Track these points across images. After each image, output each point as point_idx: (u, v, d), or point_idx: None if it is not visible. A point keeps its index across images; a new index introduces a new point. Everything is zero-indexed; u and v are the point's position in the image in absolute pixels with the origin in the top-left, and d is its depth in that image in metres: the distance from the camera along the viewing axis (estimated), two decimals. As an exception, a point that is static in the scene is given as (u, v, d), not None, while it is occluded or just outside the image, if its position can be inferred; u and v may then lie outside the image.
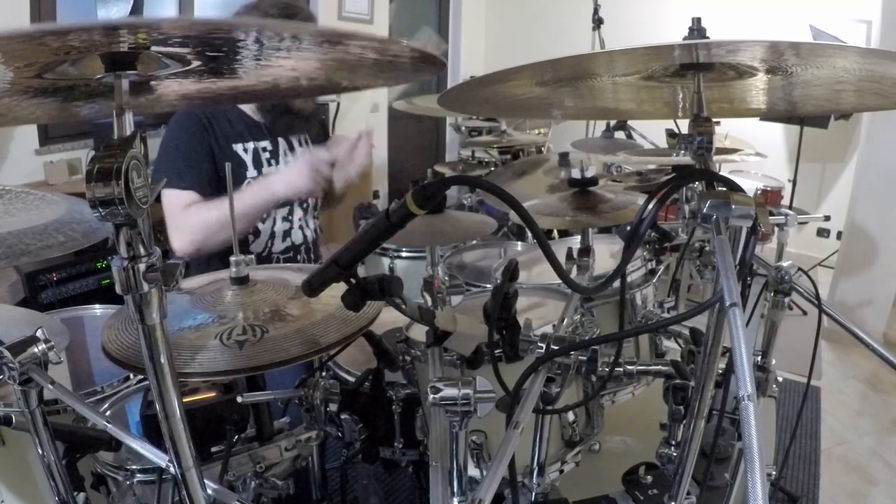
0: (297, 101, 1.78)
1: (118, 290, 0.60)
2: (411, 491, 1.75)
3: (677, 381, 0.98)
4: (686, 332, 1.21)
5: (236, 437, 1.06)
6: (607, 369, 0.97)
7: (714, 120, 0.80)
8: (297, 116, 1.82)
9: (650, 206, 0.79)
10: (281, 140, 1.83)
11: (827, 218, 2.49)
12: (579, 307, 1.23)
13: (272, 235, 1.81)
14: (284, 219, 1.84)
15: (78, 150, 3.36)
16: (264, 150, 1.78)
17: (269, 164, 1.78)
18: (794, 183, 4.07)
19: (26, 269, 2.67)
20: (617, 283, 0.85)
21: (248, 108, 1.78)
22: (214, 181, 1.67)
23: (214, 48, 0.56)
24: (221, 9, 4.27)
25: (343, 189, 1.90)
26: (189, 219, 1.59)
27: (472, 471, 1.03)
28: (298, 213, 1.88)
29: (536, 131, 4.37)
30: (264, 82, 0.77)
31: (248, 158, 1.74)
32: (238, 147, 1.73)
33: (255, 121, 1.78)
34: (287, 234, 1.85)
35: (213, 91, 0.80)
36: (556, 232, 2.30)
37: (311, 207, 1.95)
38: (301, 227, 1.89)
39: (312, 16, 1.81)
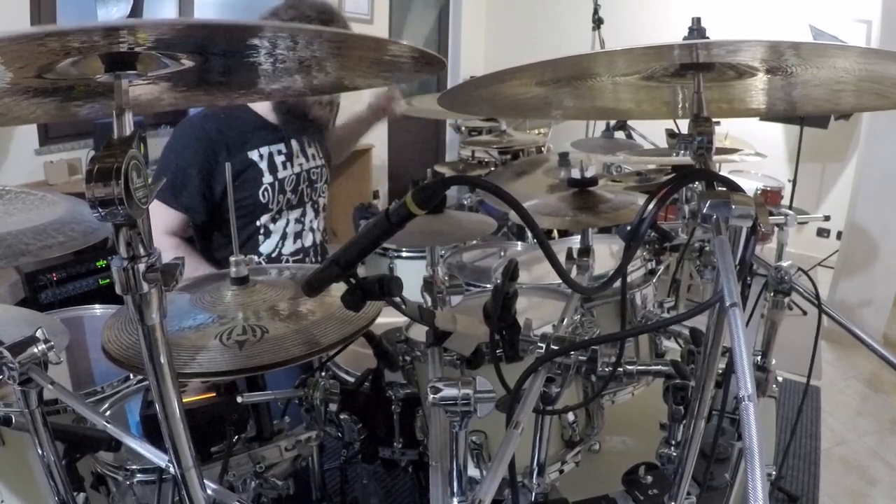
0: (315, 108, 1.78)
1: (118, 290, 0.60)
2: (411, 491, 1.75)
3: (677, 381, 0.98)
4: (686, 332, 1.21)
5: (236, 437, 1.06)
6: (607, 369, 0.97)
7: (714, 120, 0.80)
8: (312, 124, 1.82)
9: (650, 206, 0.79)
10: (294, 142, 1.82)
11: (827, 218, 2.49)
12: (579, 307, 1.23)
13: (284, 236, 1.81)
14: (297, 220, 1.84)
15: (78, 150, 3.35)
16: (279, 153, 1.77)
17: (285, 168, 1.77)
18: (794, 183, 4.07)
19: (26, 269, 2.67)
20: (617, 284, 0.85)
21: (261, 110, 1.77)
22: (218, 195, 1.67)
23: (223, 52, 0.56)
24: (222, 9, 4.26)
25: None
26: (161, 244, 1.61)
27: (472, 471, 1.03)
28: (310, 214, 1.88)
29: (536, 131, 4.37)
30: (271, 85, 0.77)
31: (263, 165, 1.73)
32: (253, 154, 1.72)
33: (268, 123, 1.77)
34: (298, 235, 1.84)
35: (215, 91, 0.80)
36: (556, 232, 2.29)
37: (321, 209, 1.95)
38: (312, 230, 1.89)
39: (346, 21, 1.81)
